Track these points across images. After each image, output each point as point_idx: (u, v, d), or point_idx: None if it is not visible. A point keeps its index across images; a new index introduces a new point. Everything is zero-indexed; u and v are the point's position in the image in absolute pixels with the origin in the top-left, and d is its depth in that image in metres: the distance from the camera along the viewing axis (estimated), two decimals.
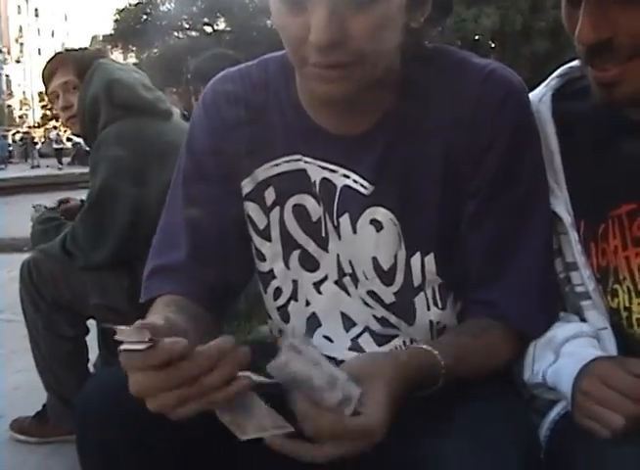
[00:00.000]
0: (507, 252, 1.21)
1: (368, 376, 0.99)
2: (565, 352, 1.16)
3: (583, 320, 1.22)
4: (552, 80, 1.29)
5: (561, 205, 1.21)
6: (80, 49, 2.90)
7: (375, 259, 1.24)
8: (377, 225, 1.22)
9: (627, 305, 1.18)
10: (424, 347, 1.11)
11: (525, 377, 1.21)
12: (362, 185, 1.22)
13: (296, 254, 1.29)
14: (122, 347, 0.91)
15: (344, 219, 1.24)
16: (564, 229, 1.21)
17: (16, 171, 24.02)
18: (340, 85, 1.10)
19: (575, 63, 1.27)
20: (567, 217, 1.21)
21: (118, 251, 2.50)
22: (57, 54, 2.83)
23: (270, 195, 1.28)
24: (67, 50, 2.99)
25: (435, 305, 1.25)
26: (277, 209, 1.28)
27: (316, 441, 0.95)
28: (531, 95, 1.27)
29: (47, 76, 2.75)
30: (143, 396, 0.92)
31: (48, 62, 2.77)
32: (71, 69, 2.69)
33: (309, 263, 1.29)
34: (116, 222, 2.48)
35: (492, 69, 1.20)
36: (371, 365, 1.03)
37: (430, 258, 1.22)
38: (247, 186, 1.29)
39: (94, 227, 2.51)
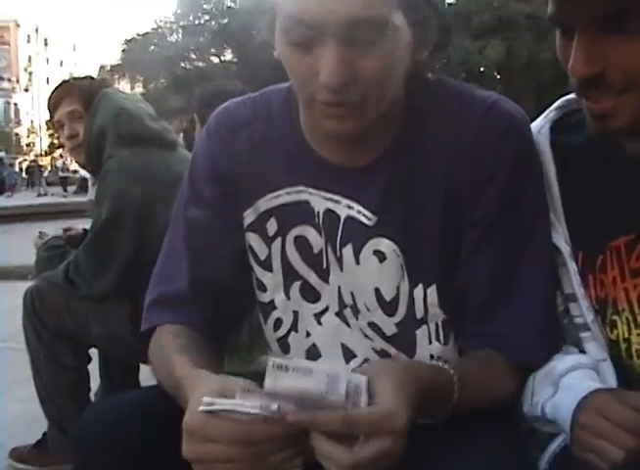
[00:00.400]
0: (508, 283, 1.21)
1: (376, 371, 0.97)
2: (563, 385, 1.16)
3: (583, 352, 1.21)
4: (550, 112, 1.30)
5: (559, 236, 1.22)
6: (86, 78, 2.90)
7: (377, 291, 1.24)
8: (380, 256, 1.22)
9: (626, 336, 1.18)
10: (436, 362, 1.11)
11: (525, 409, 1.20)
12: (366, 216, 1.22)
13: (297, 285, 1.29)
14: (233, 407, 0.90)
15: (347, 250, 1.24)
16: (562, 261, 1.22)
17: (22, 199, 24.08)
18: (347, 123, 1.11)
19: (574, 95, 1.28)
20: (565, 248, 1.21)
21: (121, 281, 2.50)
22: (63, 83, 2.84)
23: (272, 226, 1.28)
24: (72, 79, 3.00)
25: (438, 339, 1.24)
26: (279, 239, 1.28)
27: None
28: (532, 126, 1.28)
29: (53, 105, 2.76)
30: (202, 464, 0.92)
31: (54, 90, 2.78)
32: (77, 98, 2.69)
33: (310, 294, 1.29)
34: (120, 253, 2.49)
35: (494, 101, 1.21)
36: (379, 364, 1.02)
37: (432, 290, 1.22)
38: (249, 217, 1.29)
39: (97, 257, 2.51)
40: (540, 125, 1.28)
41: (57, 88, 2.79)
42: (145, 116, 2.66)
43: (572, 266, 1.20)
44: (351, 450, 0.90)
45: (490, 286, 1.21)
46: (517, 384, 1.21)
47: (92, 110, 2.61)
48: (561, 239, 1.21)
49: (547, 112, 1.31)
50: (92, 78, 2.93)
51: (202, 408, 0.91)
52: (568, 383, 1.15)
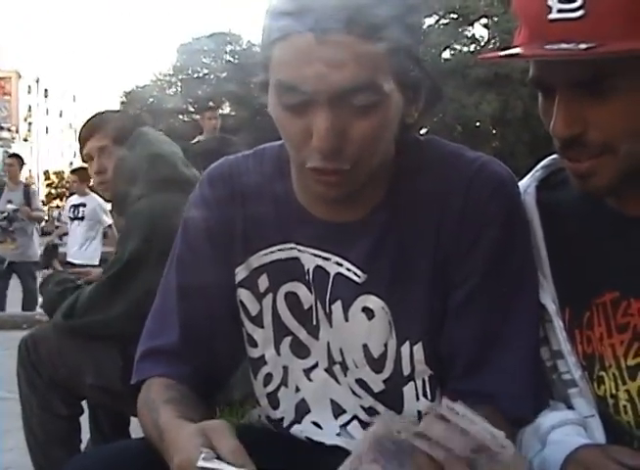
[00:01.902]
0: (495, 341, 1.21)
1: None
2: (551, 441, 1.16)
3: (571, 408, 1.22)
4: (537, 171, 1.33)
5: (545, 294, 1.23)
6: (119, 112, 2.83)
7: (366, 347, 1.24)
8: (369, 313, 1.23)
9: (614, 392, 1.18)
10: None
11: None
12: (355, 273, 1.23)
13: (287, 340, 1.30)
14: None
15: (337, 307, 1.25)
16: (549, 317, 1.23)
17: None
18: (338, 190, 1.14)
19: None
20: (551, 306, 1.22)
21: (119, 325, 2.45)
22: (96, 115, 2.77)
23: (263, 282, 1.29)
24: (106, 112, 2.89)
25: (425, 396, 1.25)
26: (270, 296, 1.29)
27: None
28: (519, 185, 1.30)
29: (83, 138, 2.70)
30: None
31: (87, 122, 2.72)
32: (109, 134, 2.64)
33: (300, 350, 1.29)
34: (131, 294, 2.42)
35: (482, 162, 1.23)
36: None
37: (418, 347, 1.23)
38: (240, 273, 1.30)
39: (107, 293, 2.46)
40: (527, 185, 1.30)
41: (90, 120, 2.73)
42: (178, 161, 2.61)
43: (559, 324, 1.21)
44: None
45: (477, 344, 1.21)
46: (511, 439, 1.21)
47: (127, 148, 2.55)
48: (547, 297, 1.22)
49: (534, 171, 1.33)
50: (125, 113, 2.86)
51: (200, 464, 0.91)
52: (555, 439, 1.16)
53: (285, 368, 1.31)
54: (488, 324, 1.22)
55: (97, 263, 8.01)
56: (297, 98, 1.08)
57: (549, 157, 1.33)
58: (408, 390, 1.25)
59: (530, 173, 1.33)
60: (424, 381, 1.25)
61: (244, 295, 1.31)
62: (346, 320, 1.25)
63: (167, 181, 2.51)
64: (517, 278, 1.23)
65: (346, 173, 1.11)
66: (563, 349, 1.21)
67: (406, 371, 1.24)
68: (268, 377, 1.33)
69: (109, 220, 8.56)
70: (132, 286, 2.44)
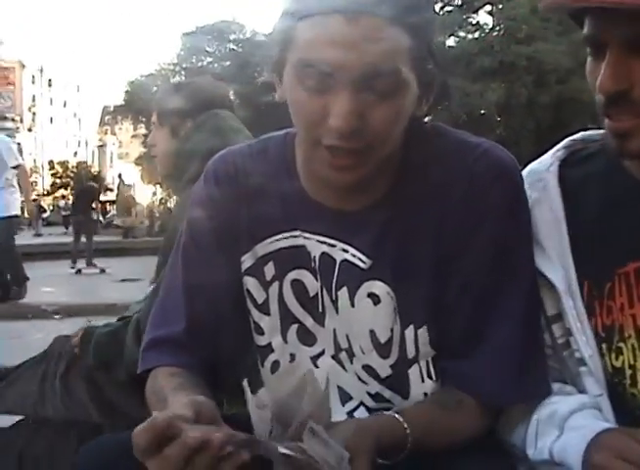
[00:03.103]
0: (485, 327, 1.22)
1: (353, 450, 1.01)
2: (570, 426, 1.16)
3: (579, 388, 1.22)
4: (558, 151, 1.33)
5: (557, 272, 1.23)
6: (200, 84, 2.43)
7: (372, 332, 1.25)
8: (374, 299, 1.24)
9: (632, 362, 1.18)
10: (396, 416, 1.13)
11: (530, 453, 1.20)
12: (360, 259, 1.24)
13: (294, 328, 1.30)
14: None
15: (343, 293, 1.26)
16: (559, 296, 1.23)
17: (19, 239, 23.89)
18: (351, 173, 1.15)
19: (578, 135, 1.33)
20: (561, 285, 1.22)
21: None
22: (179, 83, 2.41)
23: (270, 270, 1.30)
24: (188, 82, 2.53)
25: (430, 376, 1.25)
26: (276, 283, 1.30)
27: None
28: (538, 164, 1.32)
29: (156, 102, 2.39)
30: None
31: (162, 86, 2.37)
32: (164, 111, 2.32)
33: (307, 338, 1.30)
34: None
35: (485, 148, 1.24)
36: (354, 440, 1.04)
37: (423, 331, 1.24)
38: (247, 261, 1.31)
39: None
40: (549, 163, 1.31)
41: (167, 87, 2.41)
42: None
43: (569, 303, 1.21)
44: None
45: (469, 329, 1.23)
46: (486, 424, 1.23)
47: (194, 127, 2.24)
48: (559, 275, 1.22)
49: (554, 150, 1.33)
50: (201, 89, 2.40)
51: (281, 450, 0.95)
52: (575, 424, 1.15)
53: (292, 355, 1.32)
54: (481, 311, 1.22)
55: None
56: (320, 78, 1.09)
57: (567, 138, 1.34)
58: (413, 372, 1.26)
59: (551, 153, 1.34)
60: (427, 362, 1.26)
61: (250, 283, 1.31)
62: (353, 306, 1.25)
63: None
64: (515, 264, 1.23)
65: (360, 156, 1.13)
66: (572, 327, 1.21)
67: (410, 354, 1.25)
68: (275, 365, 1.34)
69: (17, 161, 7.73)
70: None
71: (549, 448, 1.16)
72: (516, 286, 1.23)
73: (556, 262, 1.24)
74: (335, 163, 1.13)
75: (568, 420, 1.17)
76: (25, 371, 2.30)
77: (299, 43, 1.11)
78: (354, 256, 1.24)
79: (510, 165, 1.25)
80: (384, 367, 1.26)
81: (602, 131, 1.22)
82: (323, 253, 1.26)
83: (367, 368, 1.27)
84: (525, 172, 1.31)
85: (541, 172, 1.30)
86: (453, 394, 1.22)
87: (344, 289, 1.26)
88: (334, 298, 1.26)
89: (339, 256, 1.25)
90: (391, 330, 1.24)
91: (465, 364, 1.22)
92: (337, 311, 1.27)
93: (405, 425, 1.12)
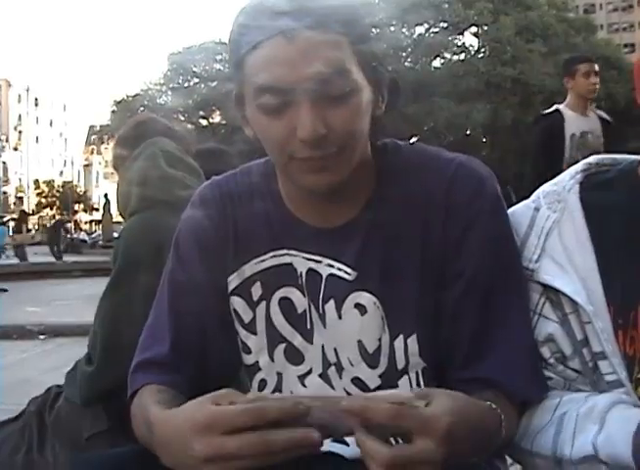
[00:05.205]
0: (494, 330, 1.22)
1: (439, 391, 1.01)
2: (611, 418, 1.13)
3: None
4: (577, 174, 1.31)
5: (581, 294, 1.21)
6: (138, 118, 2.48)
7: (360, 343, 1.26)
8: (361, 309, 1.25)
9: None
10: (493, 405, 1.10)
11: (567, 453, 1.16)
12: (346, 272, 1.25)
13: (281, 347, 1.31)
14: None
15: (330, 306, 1.27)
16: (587, 318, 1.21)
17: (5, 259, 23.84)
18: (326, 175, 1.17)
19: (592, 159, 1.31)
20: (589, 307, 1.20)
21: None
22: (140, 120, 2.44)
23: (257, 290, 1.31)
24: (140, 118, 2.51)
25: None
26: (263, 303, 1.31)
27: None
28: (554, 185, 1.30)
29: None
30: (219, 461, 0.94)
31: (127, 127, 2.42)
32: (118, 142, 2.36)
33: (294, 357, 1.30)
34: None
35: (460, 161, 1.26)
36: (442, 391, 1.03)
37: (412, 340, 1.24)
38: (233, 282, 1.32)
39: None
40: (569, 185, 1.28)
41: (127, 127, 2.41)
42: (177, 183, 2.23)
43: (598, 324, 1.20)
44: (392, 448, 0.92)
45: (476, 335, 1.22)
46: (518, 423, 1.21)
47: (132, 158, 2.26)
48: (584, 297, 1.21)
49: (572, 172, 1.31)
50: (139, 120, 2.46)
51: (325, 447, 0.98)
52: (616, 415, 1.13)
53: (279, 374, 1.32)
54: (485, 314, 1.23)
55: None
56: (277, 98, 1.14)
57: (581, 161, 1.32)
58: (403, 383, 1.26)
59: (568, 175, 1.31)
60: (417, 374, 1.26)
61: (237, 303, 1.32)
62: (340, 318, 1.26)
63: (156, 201, 2.19)
64: (507, 269, 1.24)
65: (333, 158, 1.16)
66: (605, 349, 1.19)
67: (400, 365, 1.25)
68: (262, 383, 1.34)
69: None
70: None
71: (592, 444, 1.12)
72: (513, 283, 1.24)
73: (579, 284, 1.22)
74: (310, 168, 1.17)
75: (608, 413, 1.14)
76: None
77: (251, 73, 1.16)
78: (340, 269, 1.26)
79: (486, 176, 1.27)
80: (372, 378, 1.26)
81: (615, 155, 1.22)
82: (309, 269, 1.28)
83: (356, 381, 1.27)
84: (540, 192, 1.30)
85: (560, 193, 1.28)
86: (487, 395, 1.17)
87: (332, 302, 1.27)
88: (321, 312, 1.27)
89: (324, 271, 1.27)
90: (379, 340, 1.25)
91: (480, 367, 1.21)
92: (324, 325, 1.28)
93: (499, 410, 1.10)
